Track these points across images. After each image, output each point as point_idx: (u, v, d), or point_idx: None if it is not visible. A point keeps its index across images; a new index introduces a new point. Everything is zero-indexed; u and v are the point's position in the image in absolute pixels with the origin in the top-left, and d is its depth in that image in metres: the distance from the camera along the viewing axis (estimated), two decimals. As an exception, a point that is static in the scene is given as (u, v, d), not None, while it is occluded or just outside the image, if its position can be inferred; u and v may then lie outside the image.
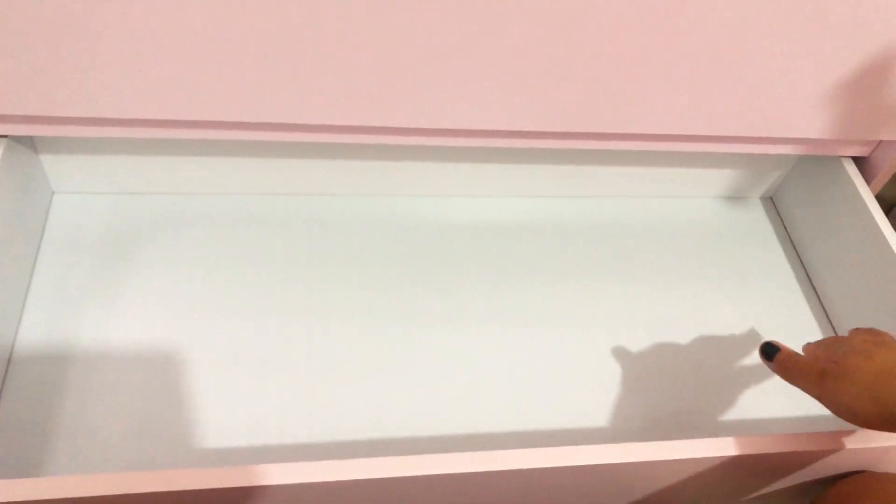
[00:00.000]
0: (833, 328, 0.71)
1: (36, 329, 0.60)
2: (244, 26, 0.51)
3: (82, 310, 0.62)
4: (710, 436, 0.51)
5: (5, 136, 0.59)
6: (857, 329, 0.54)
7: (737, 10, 0.54)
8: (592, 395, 0.63)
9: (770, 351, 0.55)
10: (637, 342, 0.67)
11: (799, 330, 0.71)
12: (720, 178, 0.78)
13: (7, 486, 0.42)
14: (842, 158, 0.71)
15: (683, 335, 0.68)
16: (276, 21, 0.51)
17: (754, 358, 0.68)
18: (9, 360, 0.58)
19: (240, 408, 0.58)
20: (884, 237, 0.65)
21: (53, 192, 0.69)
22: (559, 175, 0.75)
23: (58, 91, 0.53)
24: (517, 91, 0.57)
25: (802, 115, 0.63)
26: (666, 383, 0.65)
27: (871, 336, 0.51)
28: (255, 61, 0.53)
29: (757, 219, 0.80)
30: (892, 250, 0.64)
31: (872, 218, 0.66)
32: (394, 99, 0.57)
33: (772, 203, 0.82)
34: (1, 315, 0.58)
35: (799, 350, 0.56)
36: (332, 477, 0.45)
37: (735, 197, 0.81)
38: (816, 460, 0.54)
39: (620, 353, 0.66)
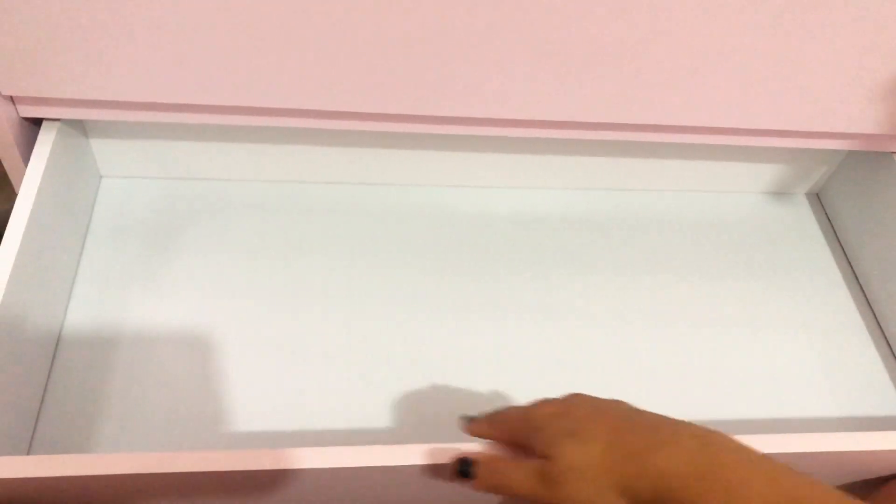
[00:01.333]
0: (880, 328, 0.69)
1: (83, 312, 0.61)
2: (299, 9, 0.51)
3: (128, 293, 0.63)
4: (752, 434, 0.50)
5: (58, 120, 0.60)
6: (541, 402, 0.44)
7: (789, -1, 0.53)
8: (629, 391, 0.63)
9: (464, 467, 0.43)
10: (678, 340, 0.66)
11: (845, 330, 0.69)
12: (765, 173, 0.77)
13: (53, 462, 0.43)
14: (892, 154, 0.70)
15: (726, 333, 0.67)
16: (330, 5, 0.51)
17: (798, 356, 0.66)
18: (57, 342, 0.59)
19: (278, 392, 0.59)
20: (936, 235, 0.63)
21: (102, 177, 0.70)
22: (600, 167, 0.74)
23: (109, 74, 0.54)
24: (559, 80, 0.57)
25: (852, 108, 0.61)
26: (706, 382, 0.64)
27: (562, 408, 0.42)
28: (303, 46, 0.53)
29: (802, 215, 0.78)
30: (944, 249, 0.62)
31: (924, 215, 0.65)
32: (442, 87, 0.57)
33: (818, 199, 0.80)
34: (50, 298, 0.59)
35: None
36: (364, 462, 0.45)
37: (780, 193, 0.80)
38: (867, 461, 0.53)
39: (660, 350, 0.65)
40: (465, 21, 0.52)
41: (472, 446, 0.46)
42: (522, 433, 0.43)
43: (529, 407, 0.44)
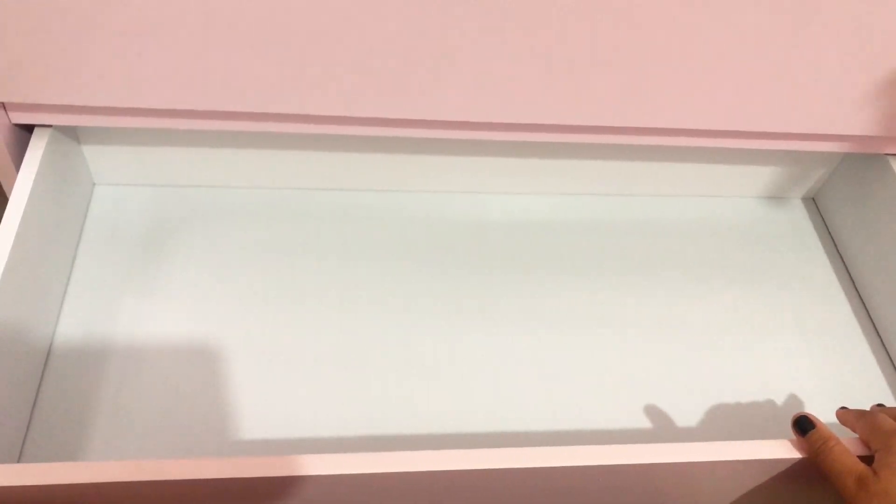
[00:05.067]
0: (877, 331, 0.69)
1: (75, 320, 0.61)
2: (288, 13, 0.51)
3: (121, 301, 0.62)
4: (745, 439, 0.49)
5: (50, 126, 0.60)
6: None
7: (780, 1, 0.53)
8: (624, 396, 0.62)
9: (804, 426, 0.49)
10: (674, 344, 0.66)
11: (842, 333, 0.69)
12: (761, 177, 0.77)
13: (44, 470, 0.43)
14: (888, 157, 0.69)
15: (723, 338, 0.67)
16: (323, 9, 0.51)
17: (795, 360, 0.66)
18: (49, 351, 0.59)
19: (272, 400, 0.58)
20: (932, 237, 0.63)
21: (94, 184, 0.70)
22: (595, 172, 0.74)
23: (102, 80, 0.54)
24: (552, 83, 0.57)
25: (848, 110, 0.61)
26: (703, 387, 0.64)
27: None
28: (298, 51, 0.53)
29: (798, 220, 0.78)
30: (940, 251, 0.62)
31: (920, 218, 0.64)
32: (436, 91, 0.57)
33: (814, 204, 0.80)
34: (42, 306, 0.58)
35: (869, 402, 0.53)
36: (359, 469, 0.45)
37: (776, 197, 0.80)
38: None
39: (656, 355, 0.65)
40: (457, 23, 0.52)
41: (467, 453, 0.45)
42: (881, 438, 0.47)
43: (885, 418, 0.48)
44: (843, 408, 0.53)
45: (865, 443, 0.49)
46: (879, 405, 0.52)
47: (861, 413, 0.50)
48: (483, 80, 0.56)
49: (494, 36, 0.53)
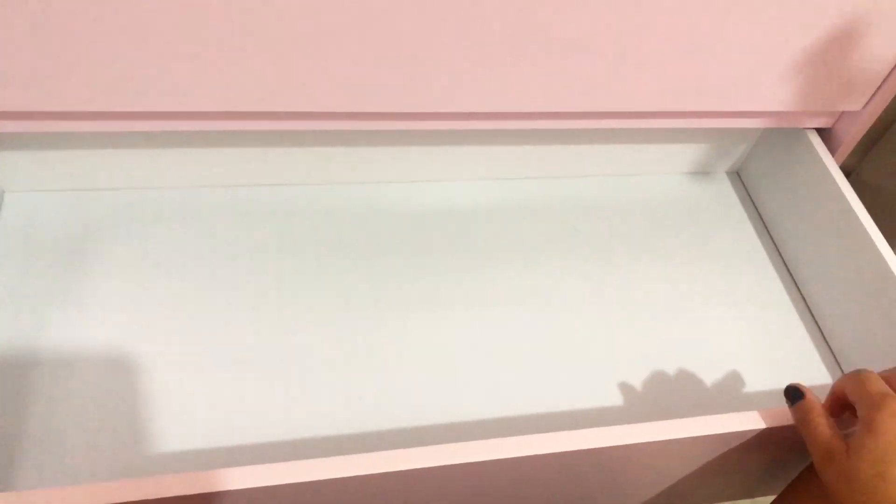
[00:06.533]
0: (804, 300, 0.72)
1: (-7, 334, 0.58)
2: (211, 11, 0.49)
3: (42, 313, 0.60)
4: (683, 416, 0.50)
5: (-50, 134, 0.56)
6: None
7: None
8: (568, 378, 0.63)
9: (794, 395, 0.50)
10: (610, 321, 0.67)
11: (770, 302, 0.71)
12: (686, 154, 0.78)
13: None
14: (806, 130, 0.72)
15: (657, 313, 0.68)
16: (254, 8, 0.49)
17: (727, 331, 0.68)
18: (-35, 368, 0.56)
19: (211, 408, 0.57)
20: (850, 207, 0.65)
21: (4, 191, 0.66)
22: (524, 157, 0.74)
23: (7, 83, 0.51)
24: (488, 72, 0.56)
25: (766, 87, 0.63)
26: (639, 362, 0.65)
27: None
28: (223, 46, 0.51)
29: (724, 193, 0.80)
30: (858, 220, 0.64)
31: (839, 188, 0.67)
32: (373, 84, 0.55)
33: (738, 177, 0.82)
34: (-46, 322, 0.55)
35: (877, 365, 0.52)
36: (311, 477, 0.44)
37: (702, 172, 0.81)
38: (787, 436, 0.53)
39: (590, 333, 0.66)
40: (397, 16, 0.51)
41: (407, 451, 0.45)
42: (859, 404, 0.46)
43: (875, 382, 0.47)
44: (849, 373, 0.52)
45: (855, 407, 0.48)
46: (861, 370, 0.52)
47: (853, 375, 0.49)
48: (415, 71, 0.55)
49: (425, 25, 0.52)
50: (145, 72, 0.52)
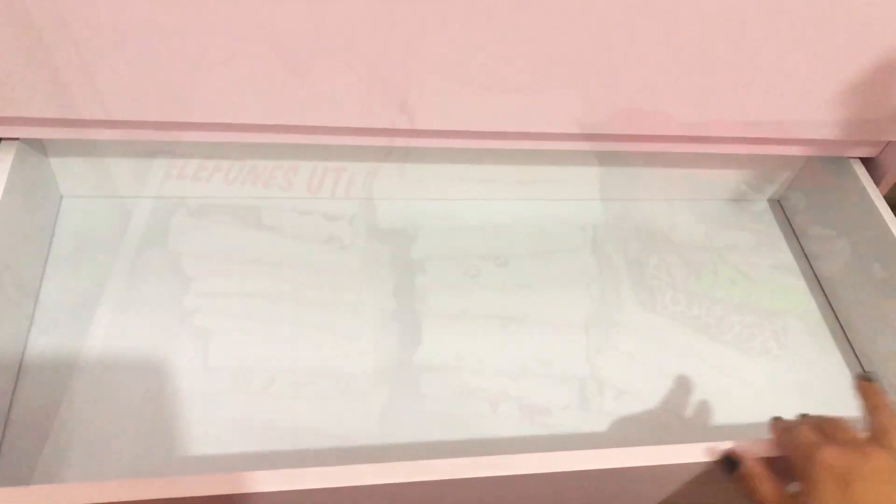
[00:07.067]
0: (843, 330, 0.71)
1: (46, 336, 0.60)
2: (257, 26, 0.51)
3: (92, 316, 0.61)
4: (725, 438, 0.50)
5: (17, 139, 0.59)
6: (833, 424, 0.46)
7: (743, 9, 0.54)
8: (588, 400, 0.63)
9: (728, 465, 0.47)
10: (648, 347, 0.67)
11: (809, 332, 0.70)
12: (727, 181, 0.78)
13: (16, 494, 0.42)
14: (850, 160, 0.71)
15: (690, 340, 0.68)
16: (294, 21, 0.51)
17: (765, 362, 0.67)
18: (19, 367, 0.58)
19: (248, 414, 0.58)
20: (894, 238, 0.64)
21: (62, 196, 0.69)
22: (564, 178, 0.75)
23: (68, 93, 0.53)
24: (519, 92, 0.57)
25: (811, 115, 0.63)
26: (669, 388, 0.65)
27: (846, 458, 0.43)
28: (265, 61, 0.53)
29: (764, 222, 0.80)
30: (902, 251, 0.64)
31: (882, 219, 0.66)
32: (381, 99, 0.57)
33: (779, 206, 0.81)
34: (11, 322, 0.57)
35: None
36: (337, 483, 0.45)
37: (742, 200, 0.81)
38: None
39: (632, 355, 0.66)
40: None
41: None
42: (799, 460, 0.45)
43: (802, 431, 0.46)
44: (775, 418, 0.51)
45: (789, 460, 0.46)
46: (803, 415, 0.51)
47: (785, 429, 0.48)
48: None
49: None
50: (202, 85, 0.54)
